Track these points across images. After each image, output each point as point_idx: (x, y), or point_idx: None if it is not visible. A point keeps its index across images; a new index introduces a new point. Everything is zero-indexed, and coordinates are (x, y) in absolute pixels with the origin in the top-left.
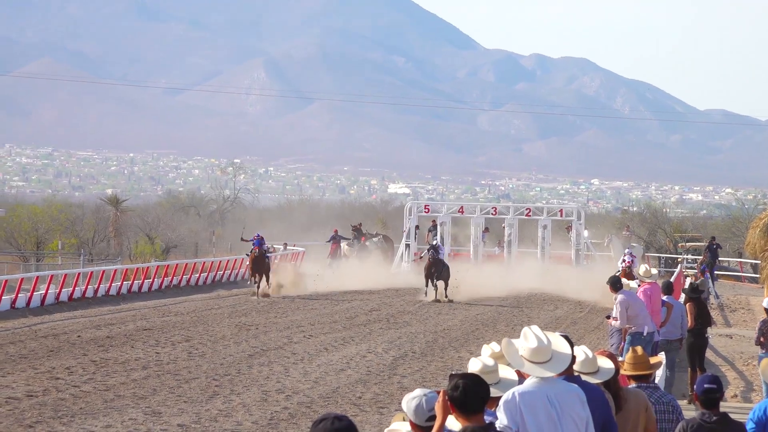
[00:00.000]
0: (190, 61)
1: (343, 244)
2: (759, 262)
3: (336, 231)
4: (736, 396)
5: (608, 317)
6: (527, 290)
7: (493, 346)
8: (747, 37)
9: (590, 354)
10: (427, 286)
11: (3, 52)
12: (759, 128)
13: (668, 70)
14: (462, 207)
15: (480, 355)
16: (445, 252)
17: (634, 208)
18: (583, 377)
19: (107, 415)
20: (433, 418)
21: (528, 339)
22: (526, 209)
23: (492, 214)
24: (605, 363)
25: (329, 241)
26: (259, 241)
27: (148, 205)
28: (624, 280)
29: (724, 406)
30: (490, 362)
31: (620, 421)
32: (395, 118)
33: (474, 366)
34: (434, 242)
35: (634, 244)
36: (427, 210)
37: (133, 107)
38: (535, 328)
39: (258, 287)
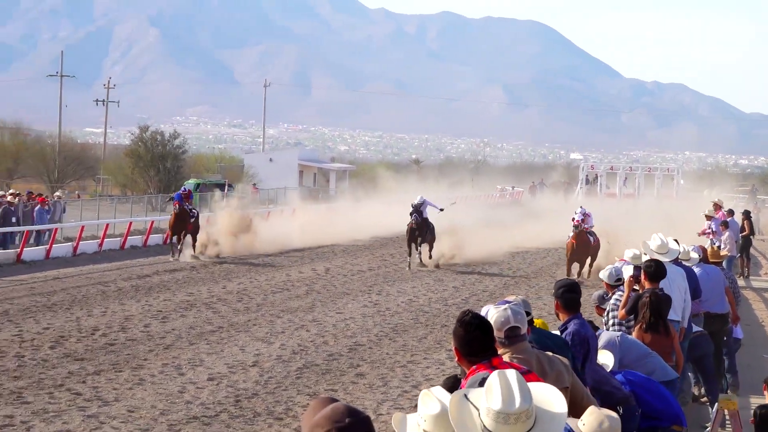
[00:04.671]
0: (457, 84)
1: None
2: None
3: (542, 180)
4: None
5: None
6: (648, 213)
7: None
8: None
9: (685, 248)
10: (409, 254)
11: (353, 79)
12: None
13: (729, 86)
14: (612, 166)
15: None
16: (429, 210)
17: (709, 168)
18: (684, 263)
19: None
20: (619, 281)
21: (654, 240)
22: (648, 168)
23: (629, 170)
24: (694, 254)
25: (537, 185)
26: (180, 196)
27: (434, 165)
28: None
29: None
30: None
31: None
32: (577, 117)
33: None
34: (420, 200)
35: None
36: (592, 168)
37: (424, 111)
38: (660, 234)
39: (179, 250)
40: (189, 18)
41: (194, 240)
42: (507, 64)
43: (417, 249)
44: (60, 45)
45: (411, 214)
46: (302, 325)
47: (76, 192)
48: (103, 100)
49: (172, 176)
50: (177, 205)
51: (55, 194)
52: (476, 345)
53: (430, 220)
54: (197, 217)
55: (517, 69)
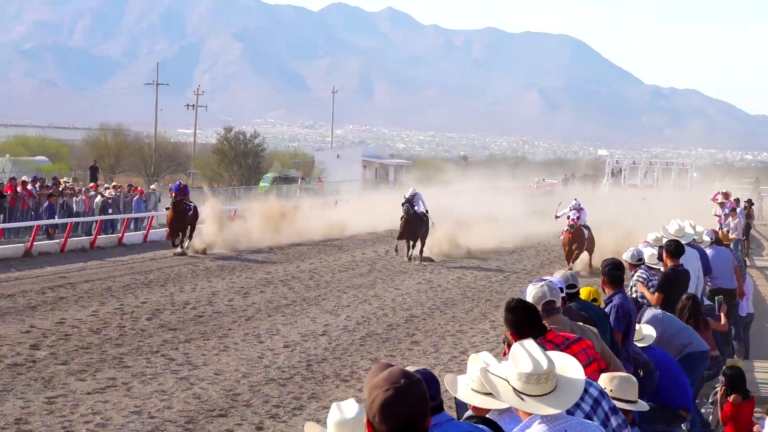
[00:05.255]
0: (499, 89)
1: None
2: None
3: (573, 173)
4: None
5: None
6: (667, 200)
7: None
8: None
9: (700, 230)
10: (408, 247)
11: (409, 86)
12: None
13: (736, 90)
14: (634, 161)
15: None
16: (422, 205)
17: (719, 163)
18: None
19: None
20: (640, 260)
21: (673, 224)
22: (665, 162)
23: (649, 164)
24: (706, 237)
25: (569, 177)
26: (177, 188)
27: (480, 160)
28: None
29: None
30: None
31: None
32: (603, 118)
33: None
34: (411, 192)
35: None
36: (617, 163)
37: (471, 113)
38: (678, 219)
39: (180, 244)
40: (268, 34)
41: (191, 233)
42: (542, 72)
43: (410, 245)
44: (156, 58)
45: (403, 204)
46: (365, 299)
47: (170, 185)
48: (194, 105)
49: (252, 170)
50: (174, 195)
51: (151, 186)
52: (527, 325)
53: (428, 214)
54: (194, 211)
55: (551, 76)
